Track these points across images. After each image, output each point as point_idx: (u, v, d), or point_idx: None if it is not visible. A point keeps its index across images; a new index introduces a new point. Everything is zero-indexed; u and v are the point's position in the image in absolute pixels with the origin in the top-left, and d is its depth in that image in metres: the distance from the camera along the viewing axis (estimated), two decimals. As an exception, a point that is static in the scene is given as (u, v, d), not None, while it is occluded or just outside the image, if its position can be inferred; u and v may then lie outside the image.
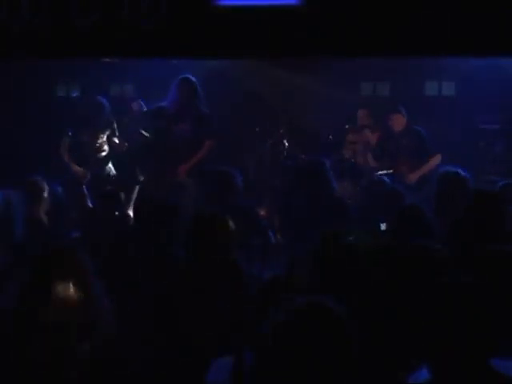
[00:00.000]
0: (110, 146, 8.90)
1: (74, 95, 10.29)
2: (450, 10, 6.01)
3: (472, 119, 9.93)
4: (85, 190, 7.93)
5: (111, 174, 8.87)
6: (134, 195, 8.34)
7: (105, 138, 8.90)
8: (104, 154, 8.90)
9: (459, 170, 6.43)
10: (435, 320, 2.69)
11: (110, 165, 8.97)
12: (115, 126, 8.95)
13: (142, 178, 8.65)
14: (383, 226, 5.96)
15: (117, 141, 8.90)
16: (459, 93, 10.19)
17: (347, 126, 9.64)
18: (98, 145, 8.86)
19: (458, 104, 9.96)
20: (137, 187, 8.50)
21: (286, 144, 9.50)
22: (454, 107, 9.93)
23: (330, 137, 9.67)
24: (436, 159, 8.58)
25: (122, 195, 6.54)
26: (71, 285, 3.57)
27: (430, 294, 2.78)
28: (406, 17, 6.12)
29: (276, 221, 7.69)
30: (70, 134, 8.83)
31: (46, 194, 6.62)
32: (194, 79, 8.29)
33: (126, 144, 8.83)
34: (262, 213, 8.08)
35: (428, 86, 10.51)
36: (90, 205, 7.66)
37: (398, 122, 8.85)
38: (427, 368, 2.70)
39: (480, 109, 9.75)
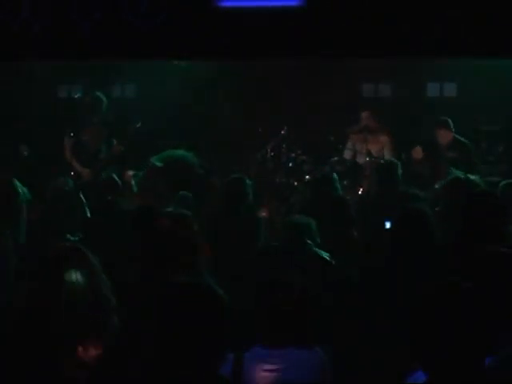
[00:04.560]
0: (108, 146, 8.88)
1: (76, 96, 10.29)
2: (450, 11, 6.00)
3: (473, 120, 9.92)
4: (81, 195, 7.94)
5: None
6: None
7: (104, 138, 8.89)
8: (104, 154, 8.88)
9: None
10: (431, 322, 2.69)
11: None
12: (114, 126, 8.96)
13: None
14: (388, 225, 5.96)
15: (115, 141, 8.89)
16: (460, 94, 10.18)
17: (349, 127, 9.64)
18: (97, 145, 8.85)
19: (459, 105, 9.95)
20: None
21: (288, 145, 9.51)
22: (456, 108, 9.91)
23: (332, 138, 9.66)
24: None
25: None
26: (81, 284, 3.56)
27: (428, 295, 2.77)
28: (407, 17, 6.11)
29: (277, 221, 7.68)
30: (71, 134, 8.83)
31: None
32: None
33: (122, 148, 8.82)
34: (263, 214, 8.06)
35: (430, 87, 10.50)
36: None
37: (446, 136, 8.83)
38: (422, 369, 2.69)
39: (481, 109, 9.75)
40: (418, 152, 8.87)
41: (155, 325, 2.78)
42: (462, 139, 8.84)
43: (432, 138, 8.90)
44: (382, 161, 8.60)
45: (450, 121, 8.87)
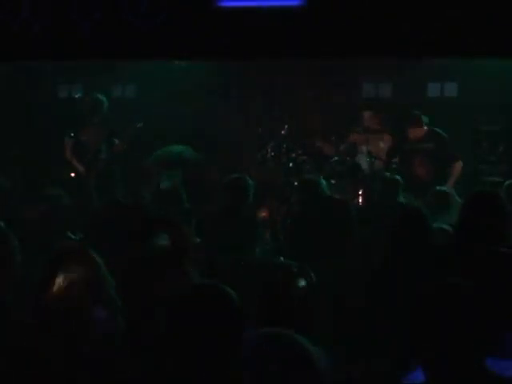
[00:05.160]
0: (109, 145, 8.89)
1: (77, 96, 10.29)
2: (450, 11, 6.00)
3: (474, 120, 9.93)
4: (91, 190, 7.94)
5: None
6: None
7: (104, 138, 8.90)
8: (105, 153, 8.89)
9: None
10: (431, 322, 2.68)
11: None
12: (115, 125, 8.96)
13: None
14: None
15: (116, 141, 8.90)
16: (461, 94, 10.17)
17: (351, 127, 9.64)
18: (97, 145, 8.87)
19: (460, 105, 9.95)
20: None
21: (288, 145, 9.50)
22: (457, 108, 9.91)
23: (333, 138, 9.65)
24: (457, 167, 8.65)
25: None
26: (83, 284, 3.56)
27: (428, 295, 2.77)
28: (407, 17, 6.11)
29: (278, 222, 7.68)
30: (72, 134, 8.85)
31: None
32: None
33: (125, 146, 8.85)
34: (263, 214, 8.05)
35: (430, 87, 10.49)
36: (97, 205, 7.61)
37: (417, 132, 8.87)
38: (421, 368, 2.69)
39: (482, 109, 9.75)
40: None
41: (167, 326, 2.77)
42: (438, 130, 8.84)
43: (403, 132, 8.96)
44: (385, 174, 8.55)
45: (421, 117, 8.86)
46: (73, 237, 5.81)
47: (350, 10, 6.20)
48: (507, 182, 6.49)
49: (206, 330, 2.68)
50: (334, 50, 6.43)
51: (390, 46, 6.23)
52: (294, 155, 9.38)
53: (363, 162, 9.23)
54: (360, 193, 8.46)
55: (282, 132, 9.49)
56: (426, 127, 8.84)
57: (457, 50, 6.18)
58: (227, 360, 2.69)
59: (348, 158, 9.33)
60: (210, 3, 6.32)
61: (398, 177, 7.55)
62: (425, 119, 8.86)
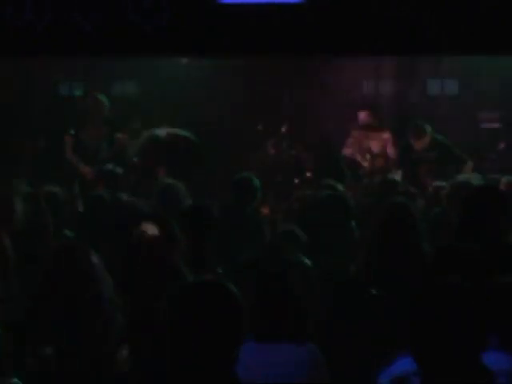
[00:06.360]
0: (109, 144, 8.91)
1: (77, 94, 10.31)
2: (450, 10, 6.01)
3: (475, 117, 9.94)
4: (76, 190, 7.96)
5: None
6: None
7: (105, 136, 8.91)
8: (105, 152, 8.90)
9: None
10: (429, 321, 2.68)
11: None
12: (115, 124, 8.97)
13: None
14: None
15: (119, 135, 8.91)
16: (462, 91, 10.18)
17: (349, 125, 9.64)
18: (98, 143, 8.88)
19: (460, 103, 9.96)
20: None
21: (288, 142, 9.51)
22: (457, 106, 9.92)
23: (332, 136, 9.67)
24: (467, 169, 8.69)
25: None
26: (83, 283, 3.57)
27: (427, 295, 2.77)
28: (408, 16, 6.11)
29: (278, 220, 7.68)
30: (72, 132, 8.86)
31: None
32: None
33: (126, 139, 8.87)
34: (265, 211, 8.07)
35: (431, 85, 10.49)
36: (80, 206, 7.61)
37: (422, 142, 8.87)
38: (420, 369, 2.68)
39: (482, 107, 9.78)
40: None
41: (167, 324, 2.77)
42: (438, 138, 8.87)
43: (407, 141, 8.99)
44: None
45: (424, 127, 8.86)
46: (70, 235, 5.83)
47: (350, 8, 6.21)
48: (507, 178, 6.50)
49: (207, 328, 2.67)
50: (334, 48, 6.44)
51: (390, 45, 6.24)
52: (294, 153, 9.39)
53: (364, 159, 9.23)
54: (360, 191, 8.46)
55: (283, 130, 9.49)
56: (429, 136, 8.86)
57: (457, 49, 6.19)
58: (227, 358, 2.68)
59: (348, 156, 9.33)
60: (213, 1, 6.32)
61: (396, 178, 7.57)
62: (427, 128, 8.86)
